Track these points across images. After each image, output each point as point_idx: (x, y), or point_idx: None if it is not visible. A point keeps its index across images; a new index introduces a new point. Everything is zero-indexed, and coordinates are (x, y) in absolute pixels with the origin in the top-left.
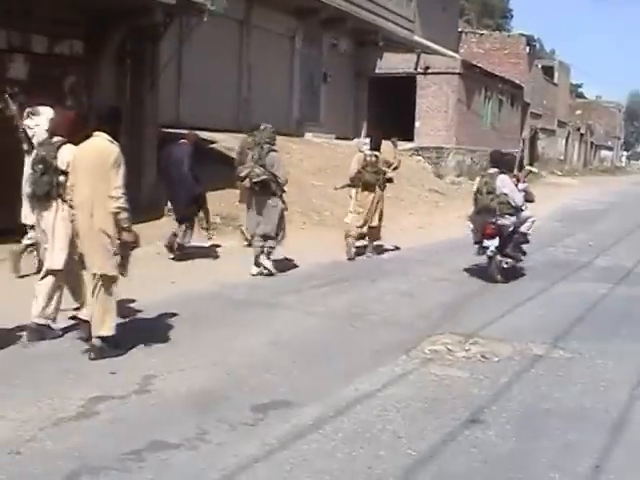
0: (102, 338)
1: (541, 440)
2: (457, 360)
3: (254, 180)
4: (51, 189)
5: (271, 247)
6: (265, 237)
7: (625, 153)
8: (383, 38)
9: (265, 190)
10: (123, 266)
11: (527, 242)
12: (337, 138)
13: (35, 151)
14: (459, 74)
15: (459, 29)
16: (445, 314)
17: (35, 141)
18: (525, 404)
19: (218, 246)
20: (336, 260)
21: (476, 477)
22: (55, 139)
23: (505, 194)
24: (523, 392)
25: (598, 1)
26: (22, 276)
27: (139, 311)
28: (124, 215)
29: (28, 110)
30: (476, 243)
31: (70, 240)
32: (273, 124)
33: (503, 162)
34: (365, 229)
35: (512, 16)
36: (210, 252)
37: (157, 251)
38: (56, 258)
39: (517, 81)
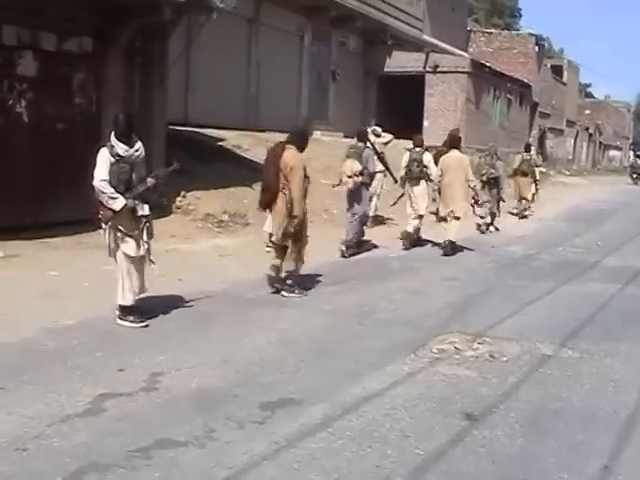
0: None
1: (550, 440)
2: (465, 359)
3: (490, 177)
4: (420, 173)
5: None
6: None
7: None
8: (392, 37)
9: (495, 183)
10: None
11: None
12: (345, 137)
13: (408, 154)
14: (468, 73)
15: (468, 28)
16: (453, 313)
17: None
18: (533, 404)
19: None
20: (344, 258)
21: (484, 477)
22: (417, 149)
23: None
24: (531, 392)
25: (607, 1)
26: None
27: (147, 309)
28: (477, 188)
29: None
30: (630, 175)
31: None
32: (281, 122)
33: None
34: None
35: (521, 15)
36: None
37: (165, 248)
38: (420, 208)
39: (526, 80)
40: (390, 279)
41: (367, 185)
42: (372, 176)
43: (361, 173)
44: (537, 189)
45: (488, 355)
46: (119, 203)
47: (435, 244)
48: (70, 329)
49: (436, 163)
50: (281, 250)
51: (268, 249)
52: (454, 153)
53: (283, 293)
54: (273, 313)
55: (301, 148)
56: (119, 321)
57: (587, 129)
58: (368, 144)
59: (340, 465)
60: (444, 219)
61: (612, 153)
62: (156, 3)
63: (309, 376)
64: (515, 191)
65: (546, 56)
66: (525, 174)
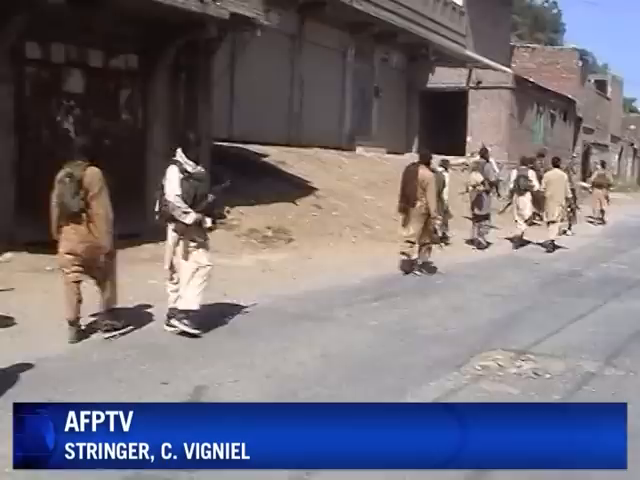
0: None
1: None
2: (508, 376)
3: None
4: (526, 186)
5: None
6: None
7: None
8: (435, 52)
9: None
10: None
11: None
12: (389, 152)
13: (516, 171)
14: (511, 89)
15: (511, 43)
16: (496, 330)
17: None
18: None
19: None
20: (387, 274)
21: None
22: (523, 166)
23: None
24: None
25: None
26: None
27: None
28: (572, 198)
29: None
30: None
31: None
32: (324, 138)
33: None
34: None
35: (564, 30)
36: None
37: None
38: (525, 213)
39: (569, 96)
40: (432, 295)
41: (487, 192)
42: (492, 185)
43: (482, 183)
44: (608, 200)
45: (531, 372)
46: (191, 217)
47: (537, 244)
48: (115, 341)
49: (539, 179)
50: (415, 244)
51: (407, 244)
52: (555, 171)
53: (416, 272)
54: (316, 328)
55: (428, 165)
56: (174, 322)
57: (632, 144)
58: (490, 160)
59: None
60: (547, 223)
61: None
62: (201, 21)
63: (351, 391)
64: (592, 201)
65: (590, 71)
66: (600, 186)
